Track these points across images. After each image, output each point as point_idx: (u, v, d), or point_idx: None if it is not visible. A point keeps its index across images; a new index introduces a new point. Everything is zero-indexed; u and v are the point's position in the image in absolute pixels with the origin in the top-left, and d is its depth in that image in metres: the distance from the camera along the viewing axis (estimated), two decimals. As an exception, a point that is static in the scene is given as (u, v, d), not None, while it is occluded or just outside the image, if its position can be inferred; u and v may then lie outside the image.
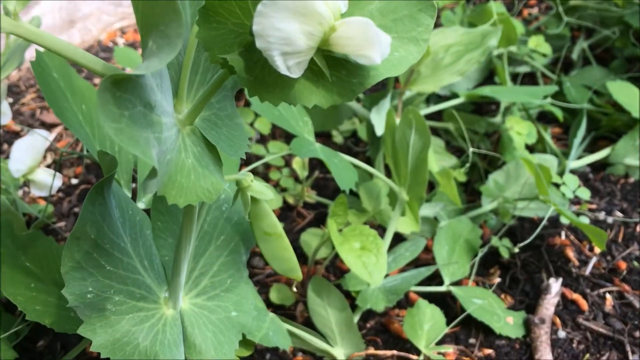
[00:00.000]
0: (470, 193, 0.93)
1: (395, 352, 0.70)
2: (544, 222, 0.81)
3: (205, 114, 0.35)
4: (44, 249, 0.56)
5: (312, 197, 0.91)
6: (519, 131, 0.85)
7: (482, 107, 1.09)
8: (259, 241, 0.49)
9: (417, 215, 0.71)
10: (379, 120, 0.77)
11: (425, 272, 0.71)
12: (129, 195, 0.59)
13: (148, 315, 0.45)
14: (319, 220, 0.89)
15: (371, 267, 0.66)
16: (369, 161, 0.91)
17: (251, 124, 0.94)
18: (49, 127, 0.99)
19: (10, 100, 1.03)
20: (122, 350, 0.43)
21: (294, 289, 0.78)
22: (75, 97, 0.55)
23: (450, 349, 0.69)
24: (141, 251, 0.45)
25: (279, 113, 0.66)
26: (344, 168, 0.64)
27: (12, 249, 0.54)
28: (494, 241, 0.81)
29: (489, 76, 1.06)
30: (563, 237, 0.84)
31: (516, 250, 0.78)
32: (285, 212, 0.90)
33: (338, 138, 1.01)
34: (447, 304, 0.77)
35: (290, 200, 0.92)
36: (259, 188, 0.47)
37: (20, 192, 0.88)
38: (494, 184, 0.86)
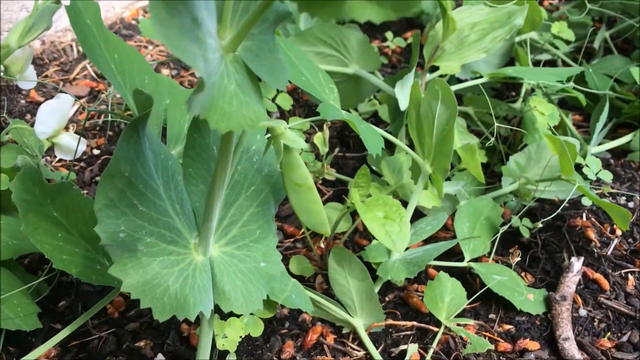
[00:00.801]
0: (490, 175, 0.93)
1: (415, 323, 0.70)
2: (565, 204, 0.81)
3: (248, 44, 0.35)
4: (71, 201, 0.56)
5: (331, 174, 0.91)
6: (542, 111, 0.85)
7: (502, 94, 1.08)
8: (289, 192, 0.49)
9: (441, 187, 0.71)
10: (403, 94, 0.77)
11: (446, 244, 0.71)
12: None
13: (178, 260, 0.45)
14: (338, 198, 0.89)
15: (394, 235, 0.65)
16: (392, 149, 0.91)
17: (272, 100, 0.94)
18: (71, 100, 1.00)
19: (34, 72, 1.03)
20: (153, 292, 0.43)
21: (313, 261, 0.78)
22: (107, 46, 0.55)
23: (470, 322, 0.69)
24: (173, 195, 0.45)
25: (306, 78, 0.66)
26: (371, 133, 0.64)
27: (41, 197, 0.54)
28: (514, 220, 0.81)
29: (510, 62, 1.06)
30: (584, 218, 0.84)
31: (539, 225, 0.77)
32: (304, 189, 0.90)
33: (358, 119, 1.01)
34: (467, 280, 0.77)
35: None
36: (292, 136, 0.47)
37: (42, 161, 0.89)
38: (515, 164, 0.85)
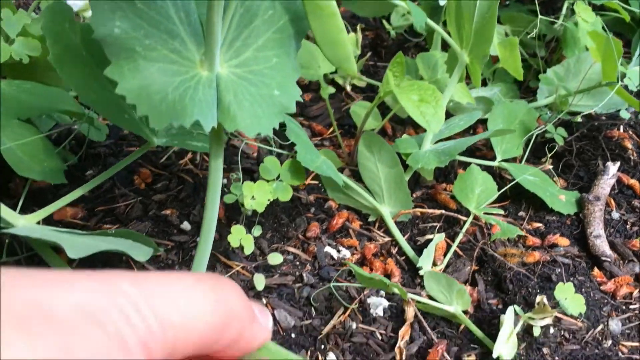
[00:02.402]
0: (525, 92, 0.91)
1: (443, 211, 0.69)
2: (602, 117, 0.79)
3: None
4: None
5: (362, 79, 0.90)
6: (585, 19, 0.82)
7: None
8: (311, 19, 0.46)
9: (479, 76, 0.69)
10: (443, -12, 0.75)
11: (479, 136, 0.69)
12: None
13: (181, 71, 0.41)
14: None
15: (429, 117, 0.64)
16: (426, 42, 0.89)
17: None
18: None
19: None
20: (150, 98, 0.40)
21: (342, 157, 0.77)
22: None
23: (501, 212, 0.67)
24: (177, 1, 0.43)
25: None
26: (416, 8, 0.62)
27: (69, 32, 0.53)
28: (549, 128, 0.79)
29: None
30: (622, 130, 0.81)
31: (579, 117, 0.74)
32: (335, 94, 0.89)
33: (392, 33, 0.99)
34: (497, 182, 0.75)
35: (340, 82, 0.90)
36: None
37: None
38: (553, 74, 0.83)
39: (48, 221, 0.62)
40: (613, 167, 0.73)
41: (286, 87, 0.45)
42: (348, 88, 0.90)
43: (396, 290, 0.57)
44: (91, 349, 0.20)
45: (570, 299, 0.56)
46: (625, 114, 0.81)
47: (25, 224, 0.53)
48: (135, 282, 0.22)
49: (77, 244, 0.47)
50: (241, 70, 0.44)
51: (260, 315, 0.28)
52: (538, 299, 0.54)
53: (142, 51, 0.40)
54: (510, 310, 0.56)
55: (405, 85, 0.67)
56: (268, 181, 0.60)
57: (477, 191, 0.69)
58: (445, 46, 0.81)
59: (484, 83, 0.88)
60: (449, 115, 0.77)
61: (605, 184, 0.71)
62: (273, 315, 0.58)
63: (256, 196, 0.58)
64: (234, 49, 0.45)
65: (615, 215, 0.71)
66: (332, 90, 0.79)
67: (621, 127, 0.82)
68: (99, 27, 0.39)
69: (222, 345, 0.26)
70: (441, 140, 0.72)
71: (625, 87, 0.80)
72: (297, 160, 0.60)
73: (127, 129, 0.54)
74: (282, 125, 0.61)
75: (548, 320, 0.56)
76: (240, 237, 0.58)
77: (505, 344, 0.55)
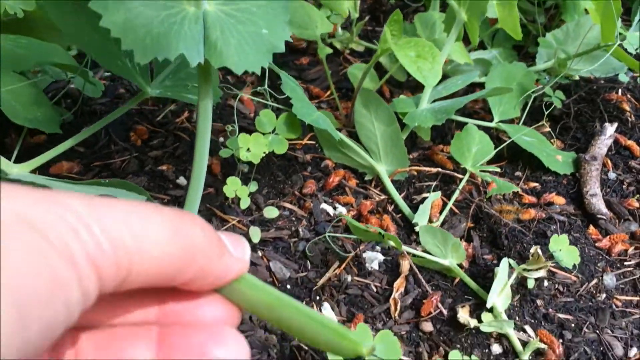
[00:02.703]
0: (523, 57, 0.90)
1: (440, 169, 0.69)
2: (601, 80, 0.79)
3: None
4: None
5: (360, 43, 0.89)
6: (585, -19, 0.81)
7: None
8: None
9: (476, 33, 0.68)
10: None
11: (476, 94, 0.69)
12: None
13: (167, 5, 0.41)
14: (366, 66, 0.87)
15: (426, 72, 0.63)
16: (425, 8, 0.88)
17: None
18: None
19: None
20: (134, 31, 0.39)
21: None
22: None
23: (497, 169, 0.67)
24: None
25: None
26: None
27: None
28: (547, 90, 0.78)
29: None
30: (620, 94, 0.81)
31: (577, 76, 0.74)
32: (332, 58, 0.88)
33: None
34: (495, 143, 0.75)
35: (338, 46, 0.90)
36: None
37: None
38: (552, 38, 0.83)
39: (44, 175, 0.62)
40: (610, 128, 0.72)
41: (275, 27, 0.45)
42: (346, 52, 0.90)
43: (392, 243, 0.57)
44: (26, 250, 0.19)
45: (565, 250, 0.56)
46: (623, 77, 0.81)
47: (19, 172, 0.53)
48: (90, 205, 0.22)
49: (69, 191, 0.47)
50: (229, 8, 0.44)
51: (233, 247, 0.27)
52: (532, 249, 0.55)
53: None
54: (504, 262, 0.56)
55: (402, 42, 0.67)
56: (264, 134, 0.60)
57: (473, 150, 0.68)
58: (444, 9, 0.81)
59: (483, 47, 0.87)
60: (447, 78, 0.77)
61: (602, 144, 0.71)
62: (268, 267, 0.58)
63: (252, 148, 0.58)
64: (221, -15, 0.44)
65: (612, 175, 0.71)
66: (329, 50, 0.79)
67: (619, 90, 0.81)
68: None
69: (186, 278, 0.25)
70: (438, 100, 0.72)
71: (625, 50, 0.79)
72: (292, 114, 0.59)
73: (120, 75, 0.54)
74: (279, 80, 0.61)
75: (542, 273, 0.56)
76: (235, 188, 0.58)
77: (499, 295, 0.55)
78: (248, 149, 0.58)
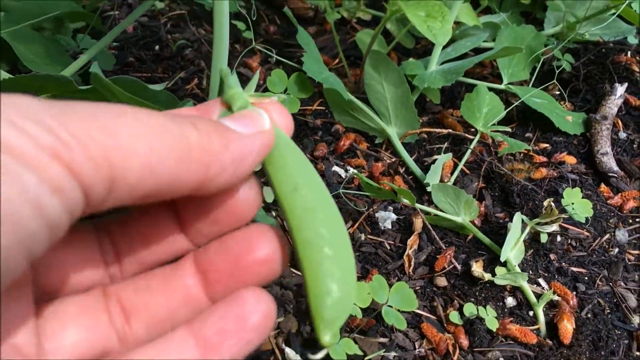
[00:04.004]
0: (532, 22, 0.90)
1: (450, 130, 0.69)
2: (610, 43, 0.78)
3: None
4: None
5: (367, 11, 0.89)
6: (595, -58, 0.80)
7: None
8: None
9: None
10: None
11: (485, 55, 0.69)
12: None
13: None
14: (374, 34, 0.86)
15: (436, 30, 0.63)
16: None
17: None
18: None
19: None
20: None
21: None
22: None
23: (508, 129, 0.67)
24: None
25: None
26: None
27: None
28: (557, 53, 0.78)
29: None
30: (629, 55, 0.81)
31: (587, 34, 0.74)
32: (340, 27, 0.88)
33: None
34: (504, 105, 0.75)
35: (345, 15, 0.89)
36: None
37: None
38: (561, 1, 0.82)
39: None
40: (620, 88, 0.72)
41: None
42: (353, 21, 0.89)
43: (405, 200, 0.57)
44: None
45: (578, 203, 0.56)
46: (632, 40, 0.80)
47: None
48: (51, 106, 0.20)
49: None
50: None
51: (244, 126, 0.25)
52: (546, 202, 0.55)
53: None
54: (517, 216, 0.56)
55: (412, 2, 0.67)
56: (275, 93, 0.60)
57: (484, 110, 0.68)
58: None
59: (492, 13, 0.87)
60: (455, 42, 0.76)
61: (612, 104, 0.71)
62: (283, 226, 0.59)
63: (264, 108, 0.58)
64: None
65: (623, 135, 0.71)
66: (337, 16, 0.79)
67: (628, 52, 0.81)
68: None
69: (193, 179, 0.23)
70: (447, 61, 0.72)
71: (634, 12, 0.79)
72: (303, 74, 0.59)
73: None
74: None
75: (555, 227, 0.56)
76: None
77: (513, 249, 0.55)
78: (260, 109, 0.58)
